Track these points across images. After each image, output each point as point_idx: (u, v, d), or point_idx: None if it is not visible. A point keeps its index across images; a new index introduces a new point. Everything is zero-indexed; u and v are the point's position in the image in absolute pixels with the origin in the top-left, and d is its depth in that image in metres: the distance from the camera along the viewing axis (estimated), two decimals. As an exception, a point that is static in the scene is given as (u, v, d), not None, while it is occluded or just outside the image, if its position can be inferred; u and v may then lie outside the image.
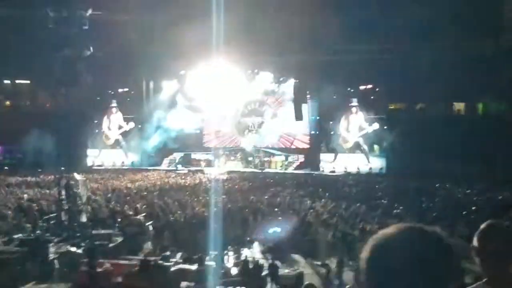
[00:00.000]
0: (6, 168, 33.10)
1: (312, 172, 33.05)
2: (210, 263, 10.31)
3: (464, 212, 14.52)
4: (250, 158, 37.03)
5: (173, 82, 38.08)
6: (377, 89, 36.16)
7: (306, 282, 9.19)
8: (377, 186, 24.13)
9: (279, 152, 37.24)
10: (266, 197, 20.22)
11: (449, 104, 35.53)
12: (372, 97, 36.06)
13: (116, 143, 39.24)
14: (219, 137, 38.45)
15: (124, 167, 36.46)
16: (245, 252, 13.19)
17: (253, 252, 13.65)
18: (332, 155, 35.83)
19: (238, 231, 14.35)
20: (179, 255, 11.83)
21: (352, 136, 35.55)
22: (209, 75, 36.04)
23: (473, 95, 33.71)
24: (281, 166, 36.52)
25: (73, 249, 11.91)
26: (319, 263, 12.58)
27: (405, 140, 29.82)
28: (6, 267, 10.28)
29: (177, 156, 38.45)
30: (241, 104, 37.44)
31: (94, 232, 13.62)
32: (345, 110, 35.60)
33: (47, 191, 21.02)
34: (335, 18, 31.36)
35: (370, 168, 34.02)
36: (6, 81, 41.69)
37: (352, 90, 35.99)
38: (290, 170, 35.03)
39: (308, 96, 35.46)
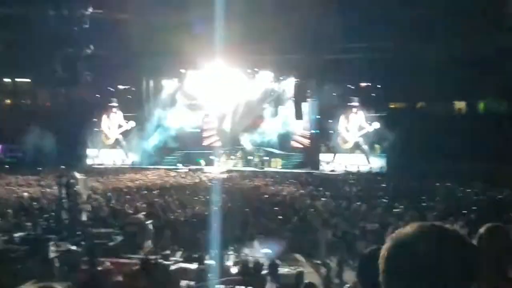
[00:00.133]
0: (6, 166, 33.10)
1: (313, 171, 33.02)
2: (210, 262, 10.32)
3: (464, 212, 14.51)
4: (250, 157, 37.01)
5: (173, 81, 38.08)
6: (378, 86, 35.93)
7: (306, 281, 9.19)
8: (377, 185, 24.13)
9: (279, 151, 37.22)
10: (266, 196, 20.24)
11: (450, 103, 35.48)
12: (372, 95, 35.87)
13: (116, 143, 38.91)
14: (219, 135, 38.43)
15: (124, 166, 36.44)
16: (245, 251, 13.20)
17: (253, 251, 13.66)
18: (331, 155, 35.69)
19: (238, 230, 14.35)
20: (179, 254, 11.85)
21: (352, 135, 35.32)
22: (209, 74, 36.06)
23: (474, 94, 33.66)
24: (280, 165, 36.51)
25: (74, 247, 11.91)
26: (319, 262, 12.59)
27: (406, 139, 29.79)
28: (6, 265, 10.29)
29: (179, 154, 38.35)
30: (241, 103, 37.41)
31: (94, 230, 13.63)
32: (345, 109, 35.38)
33: (48, 189, 21.02)
34: (335, 17, 31.37)
35: (371, 168, 33.95)
36: (6, 80, 41.67)
37: (353, 87, 35.83)
38: (290, 169, 34.98)
39: (308, 95, 35.48)
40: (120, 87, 39.24)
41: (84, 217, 14.97)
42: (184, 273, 9.68)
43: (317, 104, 35.96)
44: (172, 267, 9.91)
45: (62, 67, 15.37)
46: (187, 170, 33.11)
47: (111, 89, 38.68)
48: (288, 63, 34.79)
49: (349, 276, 11.03)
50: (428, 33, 31.18)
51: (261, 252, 13.14)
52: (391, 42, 32.40)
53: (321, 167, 35.11)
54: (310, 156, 36.24)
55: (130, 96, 39.16)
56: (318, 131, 36.38)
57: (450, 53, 30.58)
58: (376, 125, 33.95)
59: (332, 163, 35.18)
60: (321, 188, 22.35)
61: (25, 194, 19.84)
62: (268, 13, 31.51)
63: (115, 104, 38.30)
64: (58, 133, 31.34)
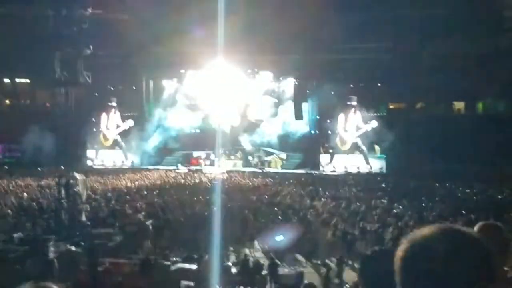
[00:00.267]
0: (5, 167, 33.09)
1: (312, 172, 33.00)
2: (210, 262, 10.32)
3: (464, 212, 14.52)
4: (250, 157, 37.02)
5: (173, 81, 38.05)
6: (378, 85, 35.83)
7: (306, 281, 9.20)
8: (377, 186, 24.13)
9: (279, 151, 37.21)
10: (266, 196, 20.24)
11: (449, 104, 35.51)
12: (372, 95, 35.79)
13: (115, 144, 38.35)
14: (219, 136, 38.40)
15: (124, 167, 36.39)
16: (245, 251, 13.22)
17: (253, 251, 13.68)
18: (329, 156, 35.45)
19: (238, 230, 14.36)
20: (179, 254, 11.84)
21: (350, 136, 34.90)
22: (209, 74, 36.06)
23: (473, 95, 33.70)
24: (280, 166, 36.50)
25: (73, 248, 11.91)
26: (319, 262, 12.59)
27: (405, 139, 29.80)
28: (6, 265, 10.28)
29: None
30: (241, 103, 37.40)
31: (94, 231, 13.62)
32: (343, 109, 34.92)
33: (47, 190, 21.02)
34: (335, 17, 31.37)
35: (370, 167, 33.83)
36: (5, 80, 41.68)
37: (352, 86, 35.74)
38: (290, 169, 34.96)
39: (308, 95, 35.44)
40: (120, 87, 39.15)
41: (83, 218, 14.97)
42: (183, 273, 9.67)
43: (316, 105, 35.95)
44: (172, 267, 9.91)
45: (61, 67, 15.34)
46: (186, 171, 33.11)
47: (111, 88, 38.62)
48: (288, 63, 34.79)
49: (349, 276, 11.05)
50: (428, 33, 31.20)
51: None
52: (391, 42, 32.44)
53: (321, 168, 35.03)
54: (310, 156, 36.20)
55: (129, 96, 38.93)
56: (317, 131, 36.36)
57: (450, 54, 30.63)
58: (374, 123, 33.52)
59: (329, 165, 34.94)
60: (320, 189, 22.35)
61: (25, 194, 19.83)
62: (268, 13, 31.51)
63: (114, 103, 37.88)
64: (57, 133, 31.34)
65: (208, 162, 37.25)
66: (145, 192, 21.02)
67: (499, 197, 19.01)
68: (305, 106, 35.30)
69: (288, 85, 36.33)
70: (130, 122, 37.68)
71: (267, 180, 27.12)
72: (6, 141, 36.74)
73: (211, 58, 33.19)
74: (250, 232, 14.62)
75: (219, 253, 11.15)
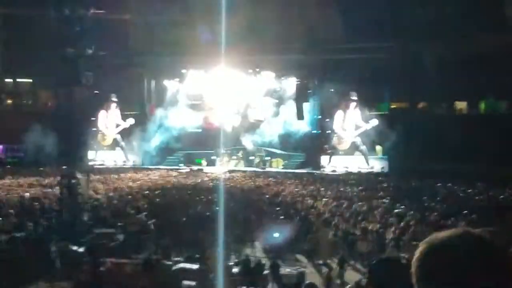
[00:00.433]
0: (7, 166, 33.16)
1: (314, 171, 33.00)
2: (211, 262, 10.33)
3: (465, 212, 14.51)
4: (252, 157, 37.04)
5: (174, 81, 38.06)
6: (379, 86, 35.70)
7: (307, 281, 9.21)
8: (378, 185, 24.12)
9: (280, 151, 37.22)
10: (267, 196, 20.26)
11: (451, 103, 35.48)
12: (373, 95, 35.70)
13: (115, 144, 37.75)
14: (221, 136, 38.41)
15: (125, 166, 36.39)
16: (247, 251, 13.23)
17: (255, 251, 13.70)
18: (328, 157, 35.18)
19: (239, 230, 14.37)
20: (180, 254, 11.86)
21: (348, 135, 34.32)
22: (211, 74, 36.08)
23: (475, 94, 33.66)
24: (282, 165, 36.51)
25: (75, 247, 11.93)
26: (320, 262, 12.59)
27: (407, 139, 29.77)
28: (8, 265, 10.31)
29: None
30: (243, 103, 37.41)
31: (96, 231, 13.64)
32: (341, 106, 34.30)
33: (49, 190, 21.06)
34: (337, 17, 31.39)
35: (372, 168, 33.68)
36: (7, 80, 41.78)
37: (353, 85, 35.58)
38: (292, 169, 34.96)
39: (309, 95, 35.44)
40: (122, 87, 39.04)
41: (85, 217, 14.99)
42: (185, 273, 9.69)
43: (318, 104, 35.93)
44: (174, 267, 9.92)
45: (63, 67, 15.36)
46: (188, 170, 33.13)
47: (113, 88, 38.47)
48: (290, 63, 34.79)
49: (350, 276, 11.06)
50: (428, 33, 31.18)
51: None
52: (392, 42, 32.41)
53: (322, 168, 34.98)
54: (311, 156, 36.19)
55: (131, 96, 38.83)
56: (319, 131, 36.34)
57: (451, 53, 30.60)
58: (375, 122, 33.09)
59: (329, 165, 34.73)
60: (322, 188, 22.35)
61: (27, 194, 19.87)
62: (270, 13, 31.54)
63: (114, 98, 37.13)
64: (59, 133, 31.35)
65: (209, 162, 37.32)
66: (147, 192, 21.05)
67: (501, 197, 18.98)
68: (307, 106, 35.31)
69: (290, 84, 36.32)
70: (131, 121, 37.22)
71: (268, 180, 27.13)
72: (8, 141, 36.81)
73: (213, 58, 33.20)
74: (252, 232, 14.63)
75: (220, 252, 11.17)
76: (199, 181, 26.73)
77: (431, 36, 31.42)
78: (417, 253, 1.42)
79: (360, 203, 17.27)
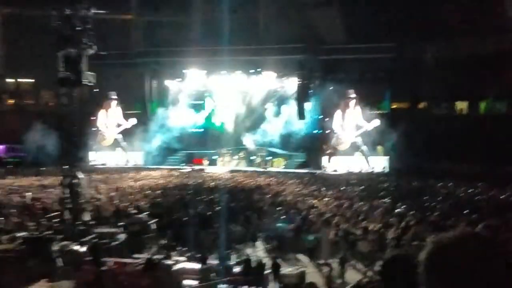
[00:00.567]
0: (9, 166, 33.20)
1: (315, 171, 32.99)
2: (213, 261, 10.36)
3: (466, 211, 14.52)
4: (253, 157, 37.06)
5: (176, 81, 38.07)
6: (379, 86, 35.64)
7: (308, 281, 9.23)
8: (379, 185, 24.12)
9: (281, 151, 37.23)
10: (268, 196, 20.28)
11: (451, 104, 35.46)
12: (374, 95, 35.62)
13: (115, 144, 36.80)
14: (222, 135, 38.46)
15: (126, 166, 36.36)
16: (248, 251, 13.26)
17: (256, 251, 13.71)
18: (328, 158, 34.94)
19: (240, 230, 14.40)
20: (182, 253, 11.88)
21: (348, 135, 33.56)
22: (212, 74, 36.12)
23: (475, 94, 33.63)
24: (283, 165, 36.51)
25: (77, 247, 11.95)
26: (321, 262, 12.61)
27: (408, 139, 29.76)
28: (9, 265, 10.34)
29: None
30: (244, 103, 37.44)
31: (97, 230, 13.66)
32: (340, 105, 33.45)
33: (51, 189, 21.09)
34: (338, 16, 31.42)
35: (373, 168, 33.48)
36: (9, 80, 41.85)
37: (354, 85, 35.45)
38: (293, 169, 34.96)
39: (311, 95, 35.44)
40: (123, 87, 39.00)
41: (87, 217, 15.02)
42: (187, 273, 9.71)
43: (319, 104, 35.92)
44: (175, 267, 9.95)
45: (64, 67, 15.35)
46: (190, 170, 33.16)
47: (114, 87, 38.42)
48: (291, 63, 34.80)
49: (351, 276, 11.08)
50: (428, 33, 31.18)
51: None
52: (393, 42, 32.41)
53: (323, 167, 34.90)
54: (312, 156, 36.18)
55: (132, 96, 38.71)
56: (320, 131, 36.32)
57: (451, 54, 30.60)
58: (377, 122, 32.40)
59: (329, 166, 34.40)
60: (323, 188, 22.37)
61: (28, 194, 19.91)
62: (271, 13, 31.58)
63: (114, 96, 36.19)
64: (61, 133, 31.36)
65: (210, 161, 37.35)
66: (149, 192, 21.08)
67: (502, 197, 18.99)
68: (308, 106, 35.32)
69: (291, 84, 36.33)
70: (133, 121, 36.08)
71: (269, 179, 27.16)
72: (10, 141, 36.85)
73: (214, 57, 33.25)
74: (253, 232, 14.66)
75: (222, 252, 11.20)
76: (200, 181, 26.75)
77: (430, 36, 31.43)
78: (424, 252, 1.45)
79: (361, 203, 17.29)
